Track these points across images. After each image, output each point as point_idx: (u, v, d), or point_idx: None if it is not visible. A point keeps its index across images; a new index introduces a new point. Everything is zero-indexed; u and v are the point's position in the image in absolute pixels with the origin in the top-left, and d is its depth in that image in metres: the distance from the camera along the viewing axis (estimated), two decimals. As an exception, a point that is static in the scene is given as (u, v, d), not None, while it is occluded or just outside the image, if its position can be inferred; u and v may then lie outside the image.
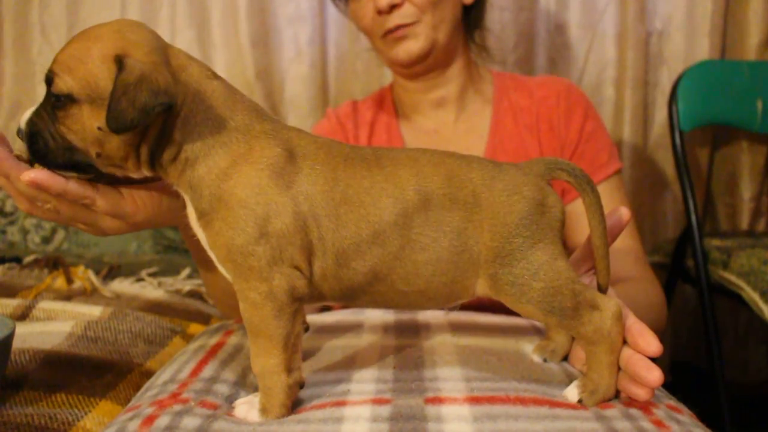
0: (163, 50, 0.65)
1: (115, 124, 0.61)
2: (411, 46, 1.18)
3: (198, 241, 0.85)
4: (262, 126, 0.67)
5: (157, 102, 0.61)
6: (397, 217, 0.66)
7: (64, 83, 0.63)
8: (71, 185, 0.67)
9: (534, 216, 0.67)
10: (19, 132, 0.67)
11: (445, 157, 0.71)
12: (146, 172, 0.68)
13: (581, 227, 1.11)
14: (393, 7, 1.15)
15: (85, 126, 0.64)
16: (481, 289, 0.69)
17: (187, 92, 0.65)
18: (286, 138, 0.68)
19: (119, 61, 0.62)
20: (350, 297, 0.70)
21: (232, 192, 0.64)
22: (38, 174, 0.66)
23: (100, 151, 0.65)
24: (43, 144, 0.65)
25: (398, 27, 1.16)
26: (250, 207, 0.63)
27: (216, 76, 0.68)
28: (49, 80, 0.64)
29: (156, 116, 0.63)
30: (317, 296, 0.69)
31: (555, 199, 0.69)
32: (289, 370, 0.66)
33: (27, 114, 0.67)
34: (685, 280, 1.78)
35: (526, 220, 0.67)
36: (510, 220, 0.67)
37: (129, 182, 0.74)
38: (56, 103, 0.64)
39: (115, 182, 0.73)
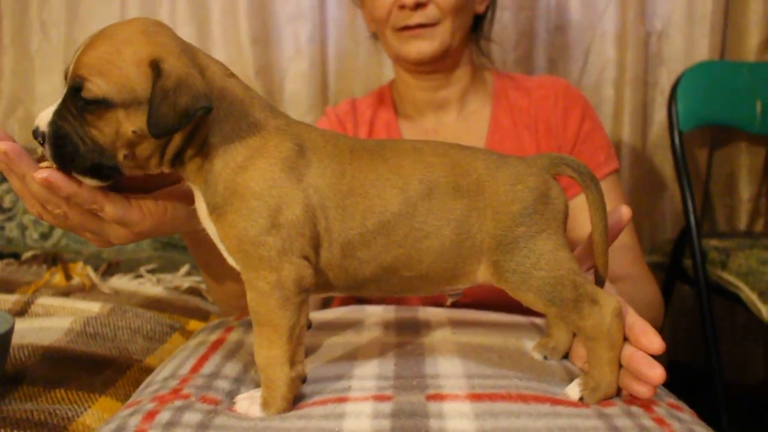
0: (188, 51, 0.66)
1: (156, 129, 0.61)
2: (425, 47, 1.19)
3: (201, 244, 0.86)
4: (276, 122, 0.69)
5: (198, 106, 0.61)
6: (401, 207, 0.67)
7: (98, 88, 0.61)
8: (82, 189, 0.67)
9: (537, 206, 0.68)
10: (36, 134, 0.65)
11: (449, 148, 0.72)
12: (166, 170, 0.68)
13: (579, 224, 1.12)
14: (418, 6, 1.15)
15: (120, 129, 0.63)
16: (483, 275, 0.70)
17: (212, 90, 0.65)
18: (296, 133, 0.69)
19: (155, 66, 0.62)
20: (355, 285, 0.71)
21: (247, 185, 0.65)
22: (51, 174, 0.65)
23: (129, 153, 0.65)
24: (72, 148, 0.64)
25: (419, 26, 1.17)
26: (263, 199, 0.64)
27: (233, 75, 0.69)
28: (78, 84, 0.62)
29: (196, 120, 0.63)
30: (323, 285, 0.70)
31: (558, 191, 0.70)
32: (292, 362, 0.66)
33: (46, 115, 0.64)
34: (683, 281, 1.78)
35: (529, 209, 0.68)
36: (513, 209, 0.68)
37: (135, 190, 0.74)
38: (87, 106, 0.62)
39: (122, 190, 0.72)
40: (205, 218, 0.68)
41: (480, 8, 1.28)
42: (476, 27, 1.32)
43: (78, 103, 0.63)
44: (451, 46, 1.21)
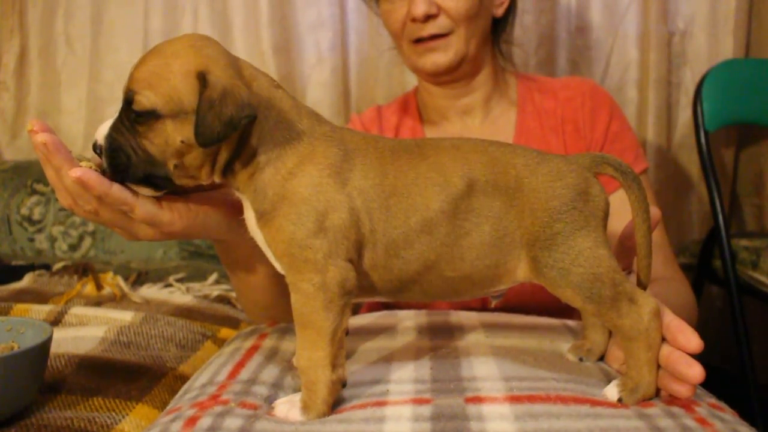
0: (235, 63, 0.68)
1: (203, 138, 0.63)
2: (439, 58, 1.19)
3: (230, 253, 0.90)
4: (322, 128, 0.70)
5: (243, 115, 0.63)
6: (443, 204, 0.68)
7: (147, 100, 0.64)
8: (114, 189, 0.68)
9: (577, 203, 0.68)
10: (95, 147, 0.68)
11: (488, 145, 0.73)
12: (217, 180, 0.70)
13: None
14: (428, 17, 1.15)
15: (168, 140, 0.66)
16: (523, 273, 0.70)
17: (260, 100, 0.67)
18: (341, 138, 0.70)
19: (202, 78, 0.64)
20: (400, 288, 0.71)
21: (296, 190, 0.66)
22: (85, 173, 0.67)
23: (179, 162, 0.67)
24: (125, 158, 0.67)
25: (432, 37, 1.17)
26: (311, 204, 0.66)
27: (279, 86, 0.71)
28: (130, 98, 0.65)
29: (241, 128, 0.65)
30: (368, 288, 0.70)
31: (599, 189, 0.70)
32: (334, 365, 0.67)
33: (103, 129, 0.68)
34: (713, 281, 1.77)
35: (568, 206, 0.68)
36: (552, 205, 0.68)
37: (169, 193, 0.75)
38: (138, 118, 0.65)
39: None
40: (253, 226, 0.70)
41: (499, 11, 1.27)
42: (496, 30, 1.31)
43: (130, 115, 0.66)
44: (467, 54, 1.20)
